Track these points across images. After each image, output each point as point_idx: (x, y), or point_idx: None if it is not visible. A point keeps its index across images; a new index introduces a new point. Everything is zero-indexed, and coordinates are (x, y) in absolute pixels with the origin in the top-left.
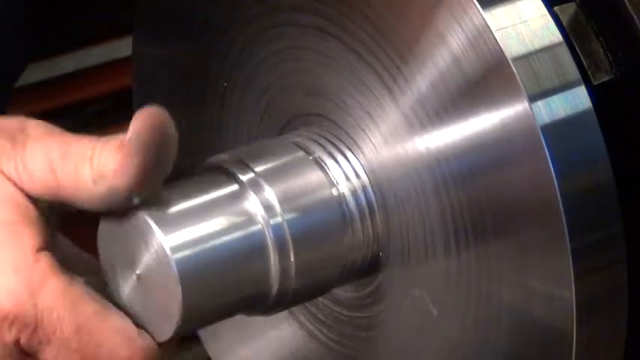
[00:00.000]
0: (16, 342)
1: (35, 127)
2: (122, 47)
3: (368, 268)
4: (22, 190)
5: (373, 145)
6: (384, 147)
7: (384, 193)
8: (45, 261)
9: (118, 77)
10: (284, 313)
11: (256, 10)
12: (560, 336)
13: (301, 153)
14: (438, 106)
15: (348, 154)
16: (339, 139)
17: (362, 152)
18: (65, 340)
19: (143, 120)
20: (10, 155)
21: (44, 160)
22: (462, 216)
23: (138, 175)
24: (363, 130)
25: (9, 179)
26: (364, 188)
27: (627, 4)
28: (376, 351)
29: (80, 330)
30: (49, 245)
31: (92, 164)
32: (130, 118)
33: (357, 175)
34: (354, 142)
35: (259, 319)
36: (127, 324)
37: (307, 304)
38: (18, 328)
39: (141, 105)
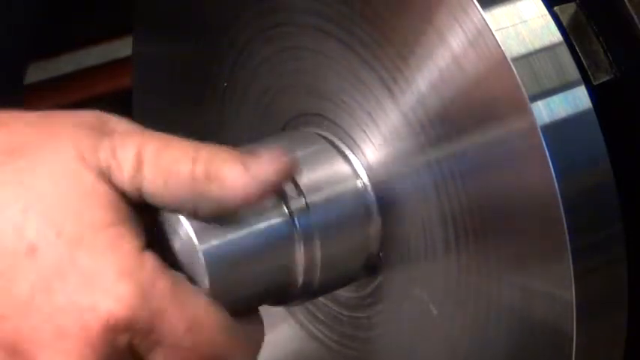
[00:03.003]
0: (130, 346)
1: (118, 121)
2: (122, 47)
3: (368, 268)
4: (113, 185)
5: (373, 145)
6: (384, 147)
7: (384, 193)
8: (150, 261)
9: (118, 77)
10: (284, 313)
11: (256, 10)
12: (560, 336)
13: (326, 144)
14: (438, 106)
15: (348, 153)
16: (339, 139)
17: (362, 152)
18: (177, 340)
19: (285, 163)
20: (100, 146)
21: (133, 153)
22: (462, 216)
23: (251, 202)
24: (363, 130)
25: (100, 173)
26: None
27: (627, 4)
28: (376, 351)
29: (191, 329)
30: (147, 243)
31: (197, 162)
32: (129, 118)
33: (358, 175)
34: (354, 142)
35: None
36: (232, 320)
37: (307, 304)
38: (132, 332)
39: (141, 105)
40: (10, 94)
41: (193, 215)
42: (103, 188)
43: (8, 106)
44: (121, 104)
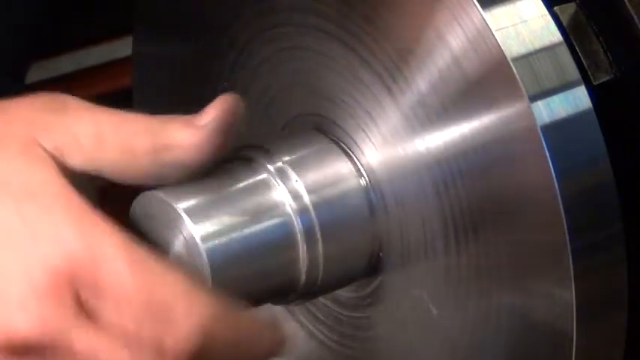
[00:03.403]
0: (77, 300)
1: (74, 100)
2: (122, 47)
3: (369, 268)
4: (64, 167)
5: (373, 145)
6: (384, 147)
7: (384, 193)
8: (101, 218)
9: (118, 77)
10: (284, 313)
11: (256, 10)
12: (560, 336)
13: (328, 142)
14: (438, 106)
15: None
16: (340, 139)
17: (362, 152)
18: (127, 297)
19: (226, 103)
20: (52, 126)
21: (91, 129)
22: (462, 216)
23: (212, 153)
24: (363, 130)
25: (51, 156)
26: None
27: (627, 4)
28: (376, 351)
29: (143, 287)
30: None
31: (154, 135)
32: None
33: (360, 174)
34: (354, 142)
35: None
36: (193, 285)
37: (307, 304)
38: (78, 282)
39: (141, 105)
40: (11, 94)
41: (160, 184)
42: (49, 177)
43: None
44: (121, 104)
